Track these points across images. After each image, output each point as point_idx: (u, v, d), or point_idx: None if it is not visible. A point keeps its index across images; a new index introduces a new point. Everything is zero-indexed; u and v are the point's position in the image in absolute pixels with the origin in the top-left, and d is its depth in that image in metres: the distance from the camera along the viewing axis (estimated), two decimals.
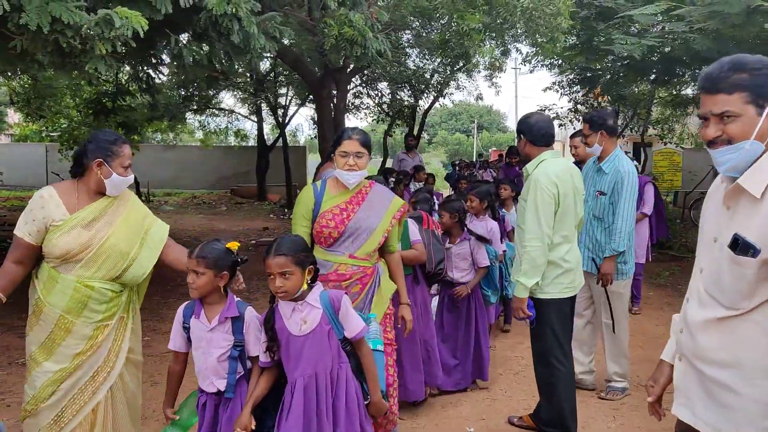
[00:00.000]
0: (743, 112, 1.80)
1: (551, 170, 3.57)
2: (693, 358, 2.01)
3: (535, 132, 3.70)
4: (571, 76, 15.27)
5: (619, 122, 18.18)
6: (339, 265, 3.26)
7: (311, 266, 2.70)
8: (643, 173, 16.78)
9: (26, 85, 17.23)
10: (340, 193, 3.37)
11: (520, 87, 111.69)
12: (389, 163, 16.98)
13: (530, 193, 3.56)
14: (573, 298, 3.80)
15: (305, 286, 2.68)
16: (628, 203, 4.19)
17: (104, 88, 15.36)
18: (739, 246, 1.81)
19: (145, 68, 8.11)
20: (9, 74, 14.86)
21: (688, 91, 16.13)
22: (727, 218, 1.90)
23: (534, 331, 3.76)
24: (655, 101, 16.81)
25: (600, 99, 16.00)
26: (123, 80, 13.57)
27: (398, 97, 17.67)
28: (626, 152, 6.31)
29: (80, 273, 2.94)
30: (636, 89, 15.42)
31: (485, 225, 5.26)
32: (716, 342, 1.93)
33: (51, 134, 23.06)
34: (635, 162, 6.36)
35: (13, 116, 27.86)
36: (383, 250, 3.46)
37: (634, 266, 4.54)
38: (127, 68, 7.64)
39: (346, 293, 2.90)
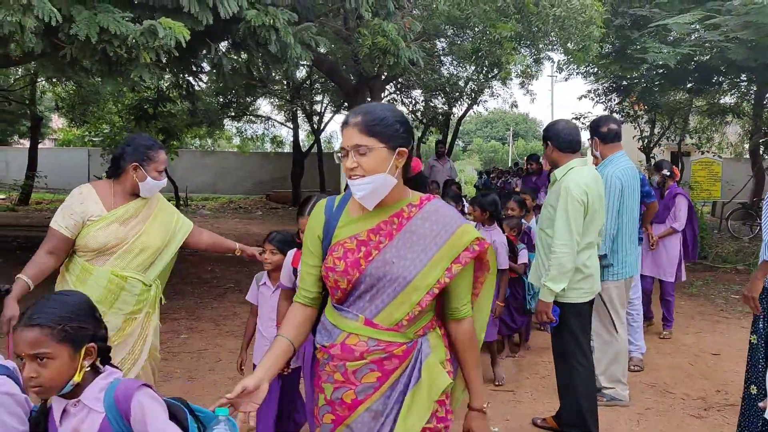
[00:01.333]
0: None
1: (581, 178, 3.65)
2: None
3: (562, 138, 3.78)
4: (606, 85, 15.22)
5: (656, 131, 18.04)
6: (347, 335, 1.98)
7: (90, 344, 1.77)
8: (679, 183, 16.64)
9: (71, 92, 17.83)
10: (363, 216, 2.04)
11: (556, 95, 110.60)
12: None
13: (561, 200, 3.62)
14: (592, 302, 3.88)
15: (78, 377, 1.74)
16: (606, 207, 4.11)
17: (146, 94, 15.81)
18: None
19: (186, 76, 8.39)
20: (55, 80, 15.43)
21: (726, 100, 15.93)
22: None
23: (555, 333, 3.84)
24: (692, 110, 16.63)
25: (636, 107, 15.88)
26: (164, 87, 13.95)
27: (432, 104, 17.79)
28: (661, 160, 6.19)
29: (115, 264, 3.14)
30: (672, 98, 15.28)
31: (489, 235, 5.16)
32: None
33: (93, 139, 23.76)
34: (665, 171, 6.24)
35: (57, 121, 28.74)
36: (444, 315, 2.11)
37: (629, 268, 4.34)
38: (169, 76, 7.91)
39: (347, 382, 1.97)
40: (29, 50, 4.74)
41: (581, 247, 3.68)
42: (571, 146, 3.79)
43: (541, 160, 8.32)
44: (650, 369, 5.33)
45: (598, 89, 16.19)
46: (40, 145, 22.12)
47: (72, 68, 5.62)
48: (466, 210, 5.10)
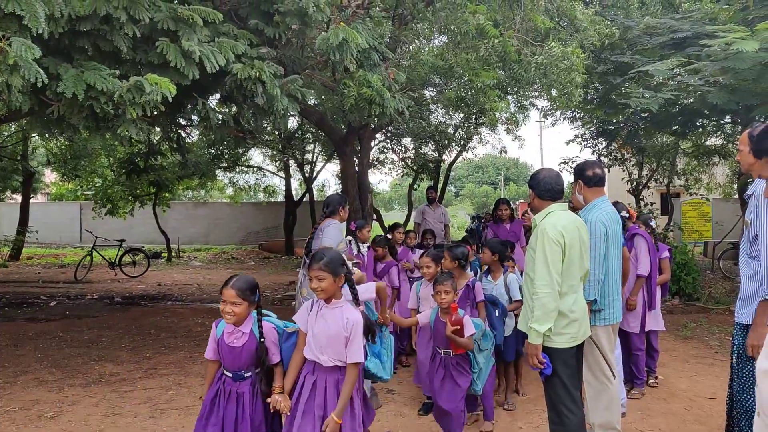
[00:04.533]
0: None
1: (558, 221, 3.74)
2: (762, 411, 1.93)
3: (542, 187, 3.90)
4: (592, 129, 15.43)
5: (644, 173, 18.23)
6: None
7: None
8: (669, 224, 16.74)
9: (62, 147, 17.95)
10: None
11: (546, 139, 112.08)
12: (413, 216, 17.14)
13: (539, 242, 3.71)
14: (580, 347, 3.87)
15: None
16: (590, 253, 4.13)
17: (137, 148, 15.90)
18: None
19: (175, 129, 8.46)
20: (47, 136, 15.55)
21: (712, 141, 16.14)
22: None
23: (545, 382, 3.81)
24: (678, 152, 16.85)
25: (623, 151, 16.08)
26: (155, 140, 14.06)
27: (422, 151, 17.95)
28: (615, 202, 5.95)
29: None
30: (658, 141, 15.49)
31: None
32: None
33: (86, 193, 23.83)
34: (623, 213, 5.79)
35: (50, 176, 28.83)
36: None
37: (617, 312, 4.28)
38: (158, 130, 7.98)
39: None
40: (17, 108, 4.79)
41: (563, 289, 3.70)
42: (551, 194, 3.91)
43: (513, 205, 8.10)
44: (645, 415, 5.25)
45: (584, 134, 16.42)
46: (32, 200, 22.12)
47: (60, 125, 5.67)
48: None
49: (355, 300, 3.51)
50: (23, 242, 20.48)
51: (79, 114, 5.07)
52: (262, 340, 3.40)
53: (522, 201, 41.32)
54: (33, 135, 17.62)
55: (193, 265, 19.09)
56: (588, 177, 4.37)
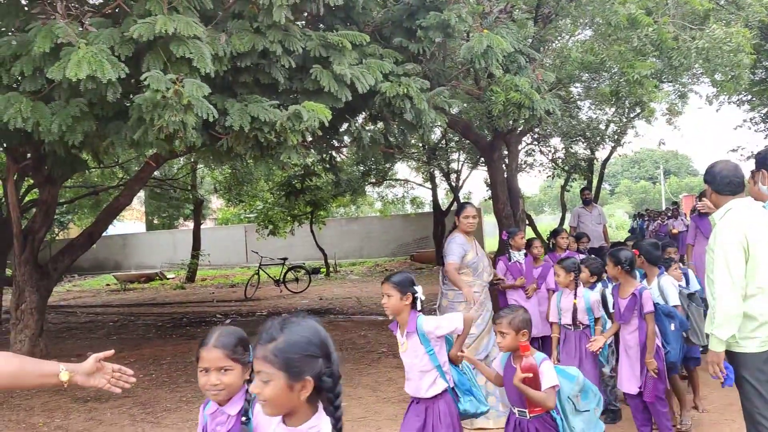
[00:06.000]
0: None
1: (738, 218, 3.45)
2: None
3: (719, 181, 3.60)
4: (764, 111, 14.11)
5: None
6: None
7: None
8: None
9: (227, 175, 19.37)
10: None
11: (709, 126, 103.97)
12: (567, 219, 16.58)
13: (717, 243, 3.46)
14: None
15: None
16: None
17: (294, 171, 16.78)
18: None
19: (330, 150, 8.83)
20: (212, 167, 16.86)
21: None
22: None
23: (740, 389, 3.51)
24: None
25: None
26: (310, 163, 14.77)
27: (572, 150, 17.34)
28: None
29: None
30: None
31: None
32: None
33: (248, 216, 25.52)
34: None
35: (216, 202, 31.22)
36: None
37: None
38: (314, 152, 8.38)
39: None
40: (191, 144, 5.22)
41: (751, 291, 3.41)
42: (730, 188, 3.59)
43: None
44: None
45: (754, 117, 15.06)
46: (202, 226, 24.05)
47: (228, 156, 6.12)
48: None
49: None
50: (197, 265, 22.31)
51: (245, 144, 5.43)
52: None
53: (685, 195, 38.57)
54: (200, 166, 19.18)
55: (350, 279, 19.75)
56: None
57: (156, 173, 15.83)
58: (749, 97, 13.16)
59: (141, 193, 23.61)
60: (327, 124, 5.16)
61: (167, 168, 19.23)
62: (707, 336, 3.53)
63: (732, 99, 13.69)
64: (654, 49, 7.32)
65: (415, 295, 3.53)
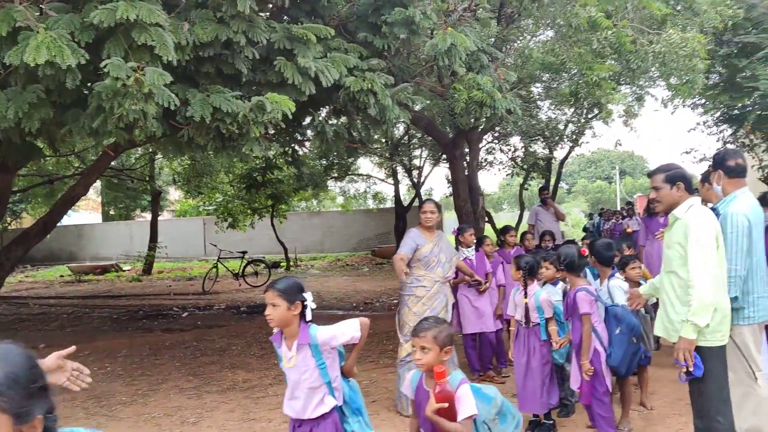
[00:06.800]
0: None
1: (703, 213, 3.69)
2: None
3: (688, 181, 3.81)
4: (716, 115, 14.53)
5: None
6: None
7: None
8: None
9: (186, 166, 19.11)
10: None
11: (663, 129, 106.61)
12: (525, 217, 16.83)
13: (691, 235, 3.58)
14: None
15: None
16: (729, 247, 3.90)
17: (255, 164, 16.64)
18: None
19: (292, 143, 8.78)
20: (171, 157, 16.61)
21: None
22: None
23: (697, 384, 3.62)
24: None
25: (751, 136, 15.01)
26: (271, 155, 14.67)
27: (532, 149, 17.60)
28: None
29: None
30: None
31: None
32: None
33: (207, 208, 25.23)
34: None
35: (174, 194, 30.77)
36: None
37: (763, 312, 3.98)
38: (276, 145, 8.33)
39: None
40: (152, 134, 5.14)
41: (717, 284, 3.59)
42: (691, 188, 3.83)
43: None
44: None
45: (707, 121, 15.50)
46: (159, 217, 23.67)
47: (189, 147, 6.04)
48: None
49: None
50: (154, 257, 21.97)
51: (207, 135, 5.37)
52: None
53: (640, 195, 39.49)
54: (158, 156, 18.87)
55: (310, 273, 19.70)
56: (730, 167, 4.13)
57: (113, 163, 15.53)
58: (703, 101, 13.53)
59: (97, 183, 23.11)
60: (290, 117, 5.14)
61: (125, 158, 18.87)
62: (686, 326, 3.54)
63: (687, 102, 14.06)
64: (613, 52, 7.49)
65: (305, 303, 3.13)
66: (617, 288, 4.89)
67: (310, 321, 3.16)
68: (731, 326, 3.76)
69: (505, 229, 7.66)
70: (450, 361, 3.02)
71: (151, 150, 16.76)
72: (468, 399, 2.81)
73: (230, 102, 5.02)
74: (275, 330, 3.25)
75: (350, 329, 3.21)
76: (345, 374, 3.32)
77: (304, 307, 3.12)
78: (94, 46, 4.70)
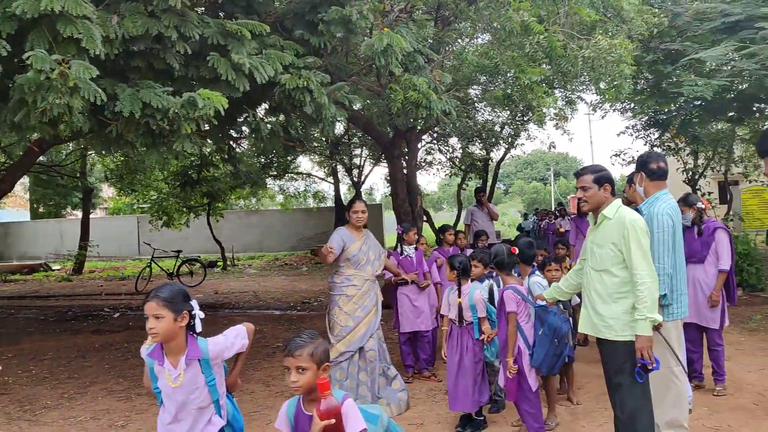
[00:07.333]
0: None
1: (634, 213, 3.88)
2: None
3: (612, 184, 4.01)
4: (644, 119, 15.10)
5: (700, 162, 17.71)
6: None
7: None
8: (729, 213, 16.18)
9: (119, 162, 18.57)
10: None
11: (595, 132, 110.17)
12: (462, 218, 17.09)
13: (630, 235, 3.71)
14: None
15: None
16: (656, 246, 4.09)
17: (190, 161, 16.29)
18: None
19: (227, 141, 8.65)
20: (104, 153, 16.11)
21: None
22: None
23: (617, 378, 3.77)
24: (736, 139, 16.32)
25: (676, 140, 15.68)
26: (207, 153, 14.40)
27: (469, 150, 17.87)
28: (687, 194, 5.89)
29: None
30: (713, 128, 15.04)
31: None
32: None
33: (142, 206, 24.58)
34: (699, 204, 5.68)
35: (107, 191, 29.84)
36: None
37: (685, 308, 4.21)
38: (210, 142, 8.19)
39: None
40: (77, 129, 4.98)
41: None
42: (614, 190, 4.01)
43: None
44: (713, 411, 5.12)
45: (636, 125, 16.09)
46: (91, 215, 22.91)
47: (118, 143, 5.86)
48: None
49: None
50: (85, 256, 21.25)
51: (136, 131, 5.23)
52: None
53: (573, 195, 40.61)
54: (90, 152, 18.28)
55: (248, 273, 19.45)
56: (652, 169, 4.32)
57: (42, 158, 14.94)
58: (632, 105, 14.03)
59: (25, 179, 22.20)
60: (223, 113, 5.06)
61: (54, 154, 18.17)
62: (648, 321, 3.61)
63: (616, 107, 14.56)
64: (545, 56, 7.68)
65: (193, 313, 2.85)
66: (536, 285, 4.99)
67: (198, 333, 2.88)
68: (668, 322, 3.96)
69: (444, 228, 7.76)
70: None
71: (82, 146, 16.21)
72: (355, 413, 2.57)
73: (161, 97, 4.90)
74: (145, 347, 2.89)
75: (239, 338, 3.00)
76: (230, 388, 3.09)
77: (192, 317, 2.84)
78: (18, 37, 4.52)
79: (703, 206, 5.63)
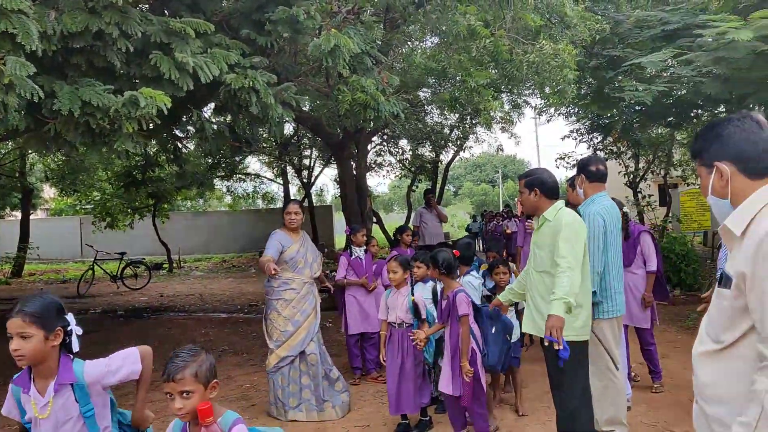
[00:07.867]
0: (700, 173, 2.15)
1: (571, 214, 3.96)
2: (698, 397, 2.07)
3: (549, 186, 4.06)
4: (587, 124, 15.48)
5: (641, 165, 18.25)
6: None
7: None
8: (668, 216, 16.71)
9: (60, 162, 18.01)
10: None
11: (542, 135, 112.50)
12: (411, 219, 17.18)
13: (564, 231, 3.79)
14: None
15: None
16: (588, 245, 4.16)
17: (134, 161, 15.93)
18: (722, 279, 1.93)
19: (172, 141, 8.48)
20: (44, 153, 15.59)
21: None
22: (729, 259, 2.01)
23: (557, 377, 3.84)
24: (675, 143, 16.89)
25: (618, 144, 16.12)
26: (152, 152, 14.09)
27: (419, 152, 18.00)
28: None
29: None
30: (653, 133, 15.52)
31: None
32: (709, 376, 1.99)
33: (85, 207, 23.88)
34: (624, 208, 5.89)
35: (49, 191, 28.89)
36: None
37: (620, 306, 4.33)
38: (155, 142, 8.01)
39: None
40: (14, 128, 4.80)
41: (587, 285, 3.90)
42: (555, 193, 4.05)
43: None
44: (651, 408, 5.27)
45: (579, 129, 16.48)
46: (32, 216, 22.15)
47: (56, 142, 5.68)
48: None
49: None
50: (24, 259, 20.51)
51: (76, 130, 5.07)
52: None
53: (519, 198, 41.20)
54: (30, 152, 17.67)
55: (194, 275, 19.11)
56: (591, 172, 4.45)
57: None
58: (574, 110, 14.36)
59: None
60: (167, 113, 4.96)
61: None
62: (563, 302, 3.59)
63: (561, 111, 14.89)
64: (491, 60, 7.80)
65: (68, 329, 2.44)
66: (468, 283, 5.05)
67: (74, 354, 2.47)
68: (592, 321, 4.02)
69: (402, 229, 7.78)
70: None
71: (19, 145, 15.65)
72: None
73: (101, 96, 4.77)
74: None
75: (128, 361, 2.57)
76: (135, 424, 2.65)
77: (68, 334, 2.43)
78: None
79: (627, 210, 5.75)
